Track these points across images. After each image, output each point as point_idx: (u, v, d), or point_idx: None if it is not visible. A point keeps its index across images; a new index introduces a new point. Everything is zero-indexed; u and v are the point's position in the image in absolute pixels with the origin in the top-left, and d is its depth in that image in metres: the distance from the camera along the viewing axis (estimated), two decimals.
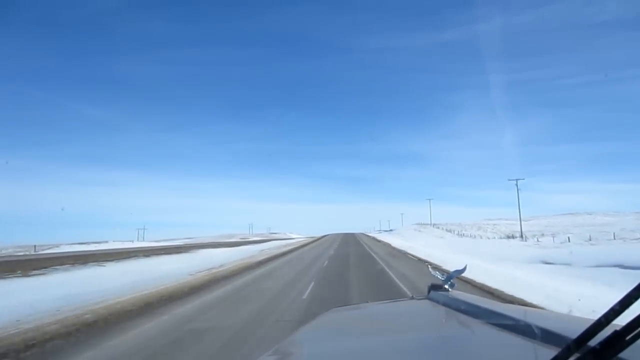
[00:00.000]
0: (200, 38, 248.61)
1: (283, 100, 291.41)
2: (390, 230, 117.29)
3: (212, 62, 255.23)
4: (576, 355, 0.64)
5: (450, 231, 73.98)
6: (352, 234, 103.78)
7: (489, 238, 53.69)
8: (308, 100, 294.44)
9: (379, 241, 52.26)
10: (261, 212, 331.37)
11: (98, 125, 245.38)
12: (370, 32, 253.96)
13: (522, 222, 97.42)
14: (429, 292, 1.97)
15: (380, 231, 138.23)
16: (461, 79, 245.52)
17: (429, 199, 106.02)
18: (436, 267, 8.42)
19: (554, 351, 0.69)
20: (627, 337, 0.59)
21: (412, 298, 2.36)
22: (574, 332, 0.68)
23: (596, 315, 0.66)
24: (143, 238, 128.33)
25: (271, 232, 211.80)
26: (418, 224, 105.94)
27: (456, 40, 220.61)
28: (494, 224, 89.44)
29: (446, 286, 1.91)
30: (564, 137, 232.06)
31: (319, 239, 77.00)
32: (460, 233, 67.88)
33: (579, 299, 8.01)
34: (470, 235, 60.63)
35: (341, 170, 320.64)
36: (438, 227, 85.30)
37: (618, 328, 0.60)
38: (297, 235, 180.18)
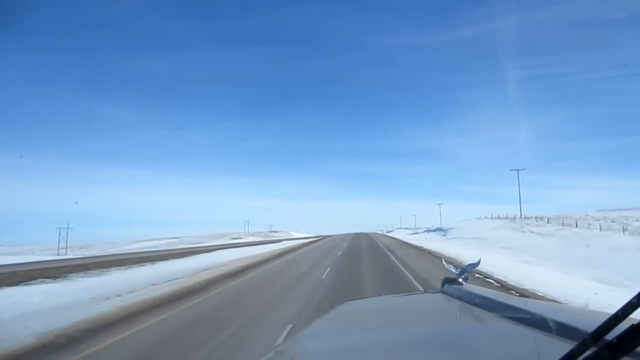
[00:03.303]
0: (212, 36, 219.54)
1: (295, 98, 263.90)
2: (441, 229, 67.20)
3: (224, 61, 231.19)
4: (593, 349, 0.60)
5: None
6: (367, 235, 61.39)
7: None
8: (321, 98, 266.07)
9: None
10: (268, 210, 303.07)
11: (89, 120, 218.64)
12: (384, 29, 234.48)
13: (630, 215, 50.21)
14: (442, 285, 1.90)
15: (415, 231, 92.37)
16: (477, 75, 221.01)
17: (517, 170, 63.60)
18: None
19: (569, 345, 0.65)
20: None
21: (426, 291, 2.30)
22: (590, 325, 0.66)
23: None
24: (66, 241, 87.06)
25: (271, 230, 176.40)
26: (498, 217, 61.62)
27: (472, 38, 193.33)
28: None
29: (460, 280, 1.86)
30: None
31: (295, 249, 35.39)
32: None
33: None
34: None
35: (353, 167, 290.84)
36: (561, 223, 41.21)
37: (635, 322, 0.57)
38: (304, 234, 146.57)
